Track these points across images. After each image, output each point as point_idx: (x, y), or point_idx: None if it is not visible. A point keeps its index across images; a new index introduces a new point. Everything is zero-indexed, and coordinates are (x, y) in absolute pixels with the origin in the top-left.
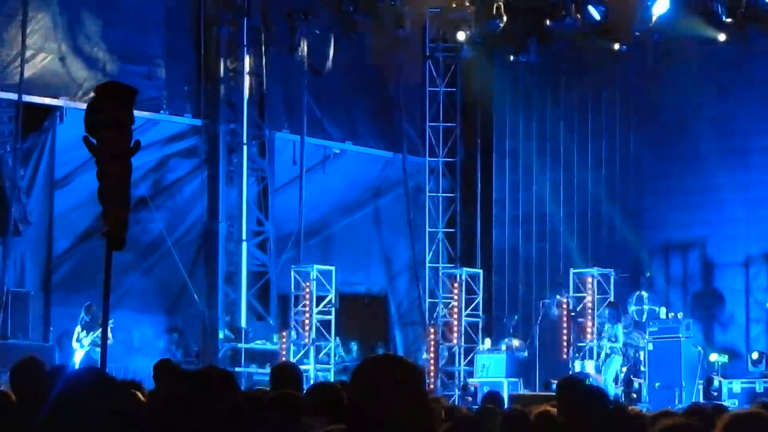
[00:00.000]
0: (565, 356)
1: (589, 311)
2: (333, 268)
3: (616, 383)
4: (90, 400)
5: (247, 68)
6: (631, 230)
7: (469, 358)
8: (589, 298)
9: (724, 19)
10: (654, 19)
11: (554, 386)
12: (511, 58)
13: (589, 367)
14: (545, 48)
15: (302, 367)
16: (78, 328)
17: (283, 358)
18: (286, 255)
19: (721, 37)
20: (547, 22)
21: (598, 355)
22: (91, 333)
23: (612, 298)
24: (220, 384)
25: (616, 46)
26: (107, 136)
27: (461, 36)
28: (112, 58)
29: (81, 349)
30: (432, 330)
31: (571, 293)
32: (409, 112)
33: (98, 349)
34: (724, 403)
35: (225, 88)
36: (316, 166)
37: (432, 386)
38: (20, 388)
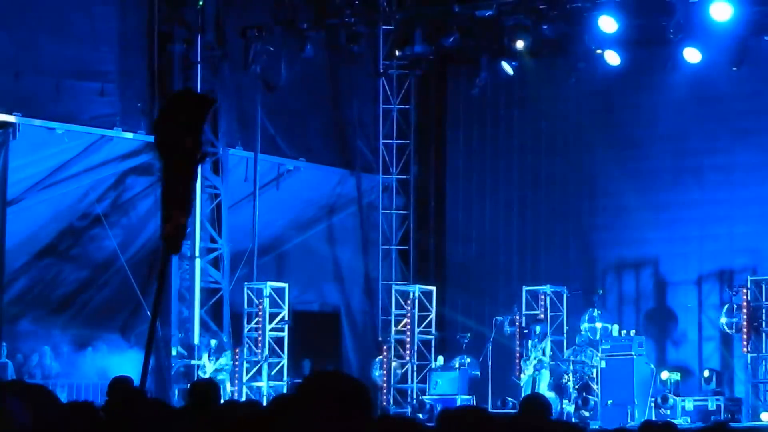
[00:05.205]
0: (517, 373)
1: None
2: (286, 285)
3: (566, 399)
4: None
5: (200, 85)
6: (584, 248)
7: (422, 375)
8: (541, 316)
9: (674, 38)
10: (606, 38)
11: (511, 404)
12: (465, 75)
13: (543, 386)
14: (499, 66)
15: (255, 384)
16: (206, 357)
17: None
18: (240, 272)
19: (673, 56)
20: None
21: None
22: (214, 359)
23: (564, 317)
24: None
25: (570, 64)
26: (181, 140)
27: (416, 54)
28: (66, 74)
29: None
30: (385, 347)
31: (523, 311)
32: (362, 129)
33: (221, 376)
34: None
35: None
36: (269, 183)
37: (384, 403)
38: None
